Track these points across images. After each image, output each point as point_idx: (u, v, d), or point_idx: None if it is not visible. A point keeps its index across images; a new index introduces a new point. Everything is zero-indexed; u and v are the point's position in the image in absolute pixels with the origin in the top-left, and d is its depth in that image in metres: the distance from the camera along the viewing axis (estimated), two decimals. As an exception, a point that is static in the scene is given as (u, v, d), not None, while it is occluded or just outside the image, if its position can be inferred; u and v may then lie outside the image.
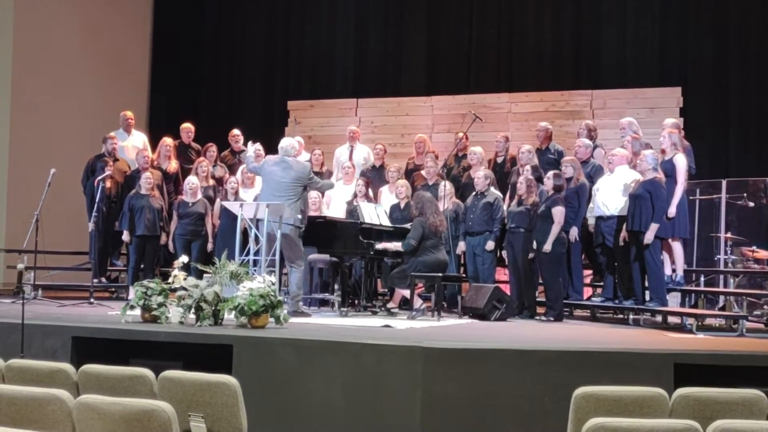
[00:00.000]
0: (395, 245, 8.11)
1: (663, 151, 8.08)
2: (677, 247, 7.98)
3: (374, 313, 8.20)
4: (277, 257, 7.47)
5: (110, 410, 3.24)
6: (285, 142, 7.97)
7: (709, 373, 5.00)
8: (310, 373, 5.38)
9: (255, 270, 7.23)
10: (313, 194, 8.62)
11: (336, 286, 8.79)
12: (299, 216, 7.69)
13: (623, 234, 7.85)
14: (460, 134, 10.05)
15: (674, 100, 11.21)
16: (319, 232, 8.01)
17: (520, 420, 5.11)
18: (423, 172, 9.57)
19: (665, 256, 7.97)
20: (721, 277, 9.21)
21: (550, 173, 8.22)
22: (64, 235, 9.93)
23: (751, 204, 9.41)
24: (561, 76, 12.46)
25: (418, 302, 8.00)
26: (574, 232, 8.21)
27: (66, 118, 11.73)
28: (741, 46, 11.64)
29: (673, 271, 8.06)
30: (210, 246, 9.21)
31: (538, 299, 8.38)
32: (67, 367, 4.07)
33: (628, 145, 8.51)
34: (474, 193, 8.79)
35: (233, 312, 6.17)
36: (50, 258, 9.23)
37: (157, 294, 6.39)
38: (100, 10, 12.68)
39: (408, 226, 8.33)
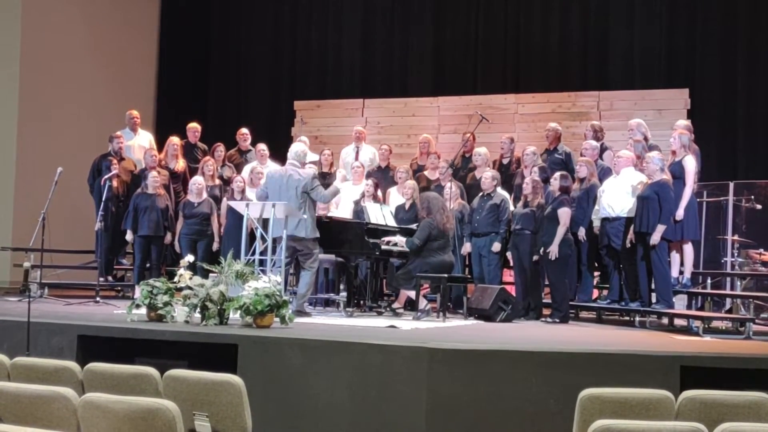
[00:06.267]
0: (400, 239, 8.11)
1: (673, 153, 8.04)
2: (688, 249, 7.94)
3: (379, 314, 8.19)
4: (282, 257, 7.48)
5: (115, 409, 3.24)
6: (296, 148, 8.02)
7: (716, 376, 4.98)
8: (315, 373, 5.38)
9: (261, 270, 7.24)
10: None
11: (341, 287, 8.79)
12: (308, 223, 7.66)
13: (630, 235, 7.82)
14: (468, 134, 10.04)
15: (682, 102, 11.18)
16: (325, 232, 8.01)
17: (525, 421, 5.10)
18: (426, 173, 9.56)
19: (672, 258, 7.94)
20: (728, 279, 9.17)
21: (557, 174, 8.19)
22: (70, 234, 9.94)
23: (759, 206, 9.37)
24: (568, 77, 12.43)
25: (423, 303, 7.99)
26: (581, 232, 8.19)
27: (73, 117, 11.75)
28: (749, 47, 11.60)
29: (680, 273, 8.02)
30: (216, 245, 9.21)
31: (543, 300, 8.36)
32: (72, 365, 4.07)
33: (631, 147, 8.48)
34: (480, 194, 8.78)
35: (238, 311, 6.18)
36: (56, 257, 9.24)
37: (163, 293, 6.41)
38: (108, 9, 12.71)
39: (414, 226, 8.32)
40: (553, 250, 7.84)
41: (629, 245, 7.86)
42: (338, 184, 9.00)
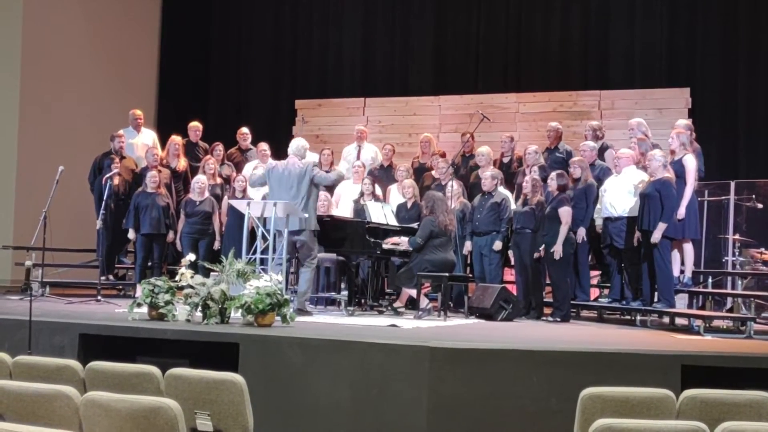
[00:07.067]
0: (402, 239, 8.13)
1: (672, 152, 8.05)
2: (688, 248, 7.95)
3: (381, 313, 8.20)
4: (284, 256, 7.48)
5: (117, 407, 3.24)
6: (297, 143, 8.04)
7: (717, 375, 4.98)
8: (316, 372, 5.38)
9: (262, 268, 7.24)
10: (321, 194, 8.56)
11: (343, 286, 8.79)
12: (307, 216, 7.67)
13: (637, 234, 7.81)
14: (467, 135, 10.05)
15: (683, 101, 11.18)
16: (326, 231, 8.01)
17: (527, 420, 5.10)
18: (433, 173, 9.56)
19: (673, 257, 7.94)
20: (729, 278, 9.17)
21: (554, 173, 8.20)
22: (71, 233, 9.95)
23: (760, 206, 9.37)
24: (569, 77, 12.43)
25: (424, 302, 8.00)
26: (581, 233, 8.19)
27: (74, 115, 11.75)
28: (750, 46, 11.59)
29: (681, 272, 8.02)
30: (217, 244, 9.22)
31: (544, 300, 8.37)
32: (74, 363, 4.08)
33: (635, 146, 8.49)
34: (481, 193, 8.78)
35: (240, 310, 6.19)
36: (58, 255, 9.26)
37: (165, 292, 6.41)
38: (109, 8, 12.71)
39: (415, 225, 8.33)
40: (558, 250, 7.83)
41: (636, 244, 7.85)
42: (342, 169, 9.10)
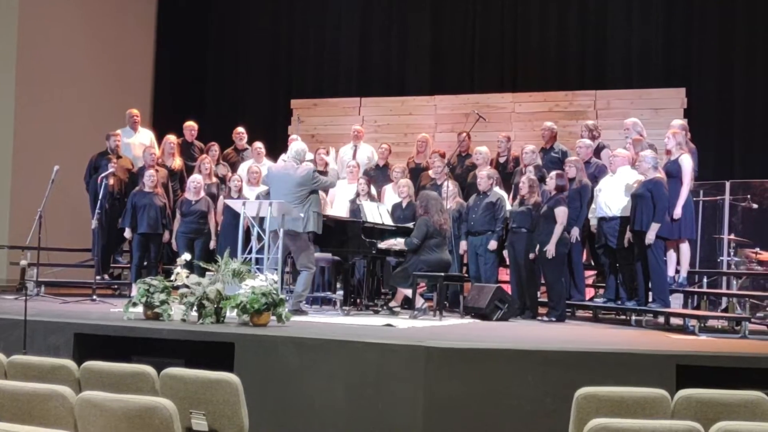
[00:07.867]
0: (399, 242, 8.12)
1: (668, 152, 8.06)
2: (685, 248, 7.96)
3: (376, 312, 8.20)
4: (280, 255, 7.48)
5: (112, 407, 3.24)
6: (296, 146, 8.03)
7: (712, 375, 4.99)
8: (311, 372, 5.38)
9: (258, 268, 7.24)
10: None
11: (338, 285, 8.79)
12: (305, 218, 7.65)
13: (628, 235, 7.83)
14: (463, 134, 10.06)
15: (679, 101, 11.19)
16: (322, 230, 8.00)
17: (522, 420, 5.10)
18: (430, 172, 9.56)
19: (669, 257, 7.96)
20: (724, 278, 9.20)
21: (553, 173, 8.21)
22: (67, 232, 9.94)
23: (755, 206, 9.40)
24: (565, 76, 12.44)
25: (420, 302, 8.00)
26: (575, 233, 8.20)
27: (70, 115, 11.74)
28: (746, 46, 11.62)
29: (677, 272, 8.04)
30: (213, 244, 9.22)
31: (540, 299, 8.37)
32: (69, 363, 4.07)
33: (630, 147, 8.50)
34: (477, 192, 8.79)
35: (235, 310, 6.18)
36: (53, 255, 9.25)
37: (160, 291, 6.40)
38: (105, 7, 12.70)
39: (411, 225, 8.33)
40: (550, 249, 7.85)
41: (627, 245, 7.86)
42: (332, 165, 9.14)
